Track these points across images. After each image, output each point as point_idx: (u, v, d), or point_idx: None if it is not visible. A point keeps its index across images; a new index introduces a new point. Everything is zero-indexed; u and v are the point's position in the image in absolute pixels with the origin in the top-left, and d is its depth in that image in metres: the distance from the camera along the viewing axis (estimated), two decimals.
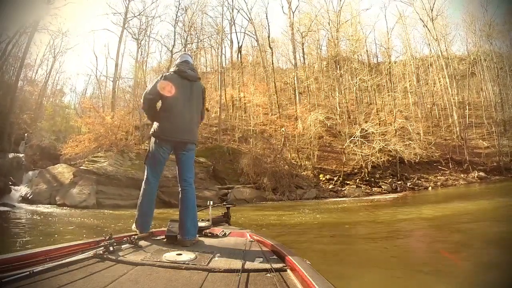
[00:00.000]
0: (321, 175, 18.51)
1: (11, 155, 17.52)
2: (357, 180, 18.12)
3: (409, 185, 18.49)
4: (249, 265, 1.48)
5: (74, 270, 1.30)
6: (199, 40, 26.75)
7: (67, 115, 26.75)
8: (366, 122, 19.61)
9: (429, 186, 18.63)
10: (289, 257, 1.47)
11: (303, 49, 28.60)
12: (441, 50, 27.14)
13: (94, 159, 15.14)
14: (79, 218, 9.23)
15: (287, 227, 7.31)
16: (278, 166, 17.01)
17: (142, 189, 2.29)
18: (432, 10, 27.13)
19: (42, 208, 12.09)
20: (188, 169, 2.32)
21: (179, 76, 2.28)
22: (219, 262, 1.55)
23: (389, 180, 18.56)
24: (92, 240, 1.74)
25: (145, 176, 2.32)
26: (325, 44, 31.36)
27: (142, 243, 1.90)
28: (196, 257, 1.58)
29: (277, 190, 16.04)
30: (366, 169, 18.27)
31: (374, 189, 17.64)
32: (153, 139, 2.29)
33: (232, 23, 28.18)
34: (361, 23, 28.62)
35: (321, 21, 27.76)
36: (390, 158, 18.57)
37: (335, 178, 18.27)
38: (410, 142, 18.50)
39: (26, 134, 20.34)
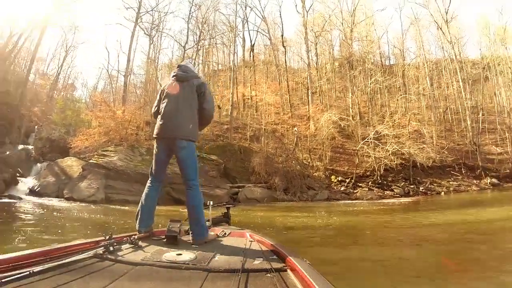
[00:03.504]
0: (333, 177, 18.20)
1: (20, 147, 17.48)
2: (369, 183, 17.78)
3: (422, 189, 18.14)
4: (249, 265, 1.49)
5: (74, 270, 1.30)
6: (212, 37, 26.60)
7: (77, 108, 26.74)
8: (379, 124, 19.25)
9: (442, 191, 18.31)
10: (289, 257, 1.47)
11: (316, 49, 28.29)
12: (455, 54, 26.68)
13: (104, 153, 14.94)
14: (86, 214, 8.93)
15: (308, 231, 6.93)
16: (289, 166, 16.73)
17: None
18: (447, 13, 26.68)
19: (49, 201, 11.88)
20: (185, 169, 2.26)
21: (172, 80, 2.38)
22: (219, 262, 1.56)
23: (402, 184, 18.21)
24: (92, 240, 1.76)
25: None
26: (338, 44, 31.18)
27: (142, 243, 1.90)
28: (196, 257, 1.59)
29: (288, 191, 15.78)
30: (378, 172, 17.90)
31: (387, 192, 17.34)
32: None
33: (245, 21, 28.11)
34: (375, 24, 28.23)
35: (334, 21, 27.47)
36: (403, 162, 18.19)
37: (347, 180, 17.94)
38: (424, 145, 18.10)
39: (36, 127, 20.30)
